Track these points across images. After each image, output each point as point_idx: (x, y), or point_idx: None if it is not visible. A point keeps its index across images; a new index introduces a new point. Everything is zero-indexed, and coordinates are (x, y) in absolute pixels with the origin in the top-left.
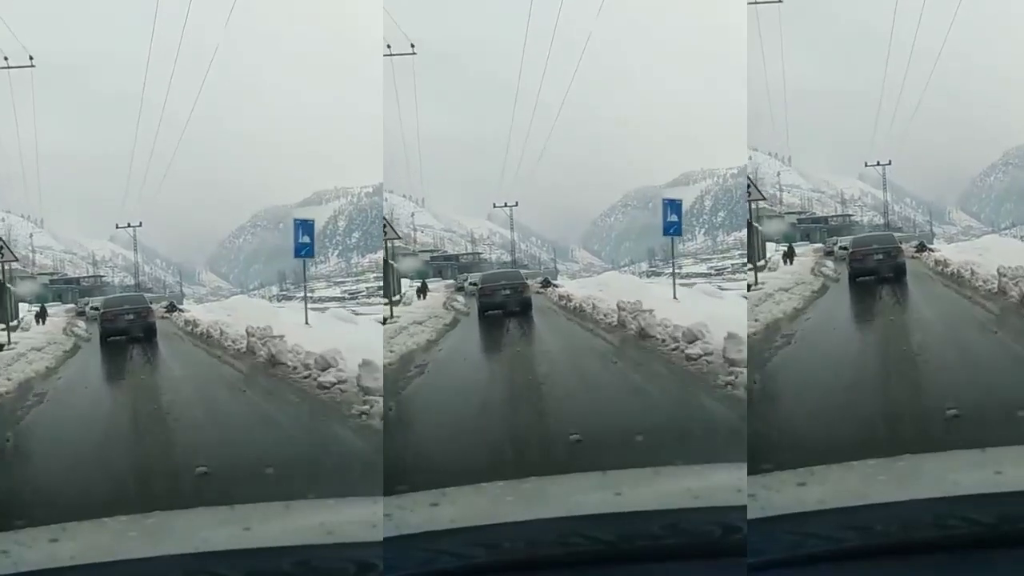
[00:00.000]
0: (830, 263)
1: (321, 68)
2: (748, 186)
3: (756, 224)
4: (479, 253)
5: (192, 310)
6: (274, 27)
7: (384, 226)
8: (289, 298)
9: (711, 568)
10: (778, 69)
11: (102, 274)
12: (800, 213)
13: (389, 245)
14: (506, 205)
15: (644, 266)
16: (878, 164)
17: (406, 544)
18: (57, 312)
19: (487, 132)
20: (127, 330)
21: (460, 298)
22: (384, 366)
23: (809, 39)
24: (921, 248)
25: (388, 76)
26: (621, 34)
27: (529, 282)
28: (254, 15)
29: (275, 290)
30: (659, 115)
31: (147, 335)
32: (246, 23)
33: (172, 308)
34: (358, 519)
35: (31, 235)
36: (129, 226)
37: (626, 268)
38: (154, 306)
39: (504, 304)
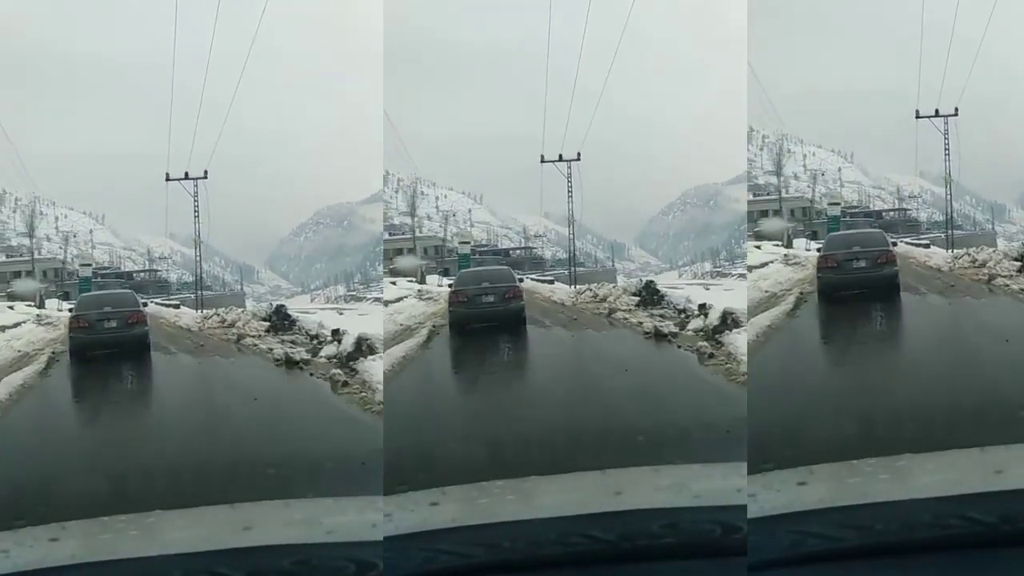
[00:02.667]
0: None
1: (382, 65)
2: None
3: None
4: (531, 248)
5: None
6: (338, 22)
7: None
8: (359, 299)
9: (711, 568)
10: (840, 67)
11: (157, 268)
12: (855, 207)
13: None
14: (560, 159)
15: (708, 266)
16: (937, 114)
17: (406, 544)
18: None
19: (540, 128)
20: (108, 343)
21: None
22: None
23: (872, 37)
24: None
25: (444, 74)
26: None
27: (605, 290)
28: (319, 7)
29: (341, 290)
30: (719, 112)
31: (137, 350)
32: (308, 16)
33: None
34: (358, 519)
35: (91, 231)
36: (187, 177)
37: (686, 268)
38: (241, 314)
39: (487, 315)
